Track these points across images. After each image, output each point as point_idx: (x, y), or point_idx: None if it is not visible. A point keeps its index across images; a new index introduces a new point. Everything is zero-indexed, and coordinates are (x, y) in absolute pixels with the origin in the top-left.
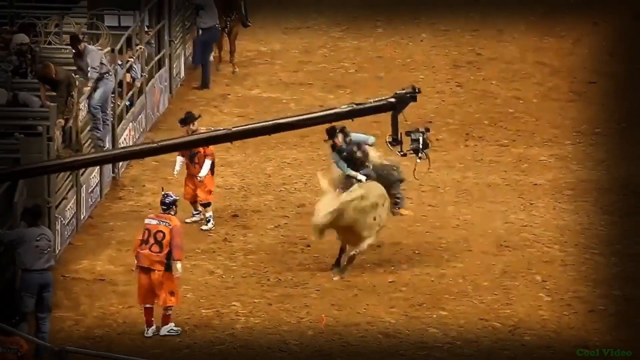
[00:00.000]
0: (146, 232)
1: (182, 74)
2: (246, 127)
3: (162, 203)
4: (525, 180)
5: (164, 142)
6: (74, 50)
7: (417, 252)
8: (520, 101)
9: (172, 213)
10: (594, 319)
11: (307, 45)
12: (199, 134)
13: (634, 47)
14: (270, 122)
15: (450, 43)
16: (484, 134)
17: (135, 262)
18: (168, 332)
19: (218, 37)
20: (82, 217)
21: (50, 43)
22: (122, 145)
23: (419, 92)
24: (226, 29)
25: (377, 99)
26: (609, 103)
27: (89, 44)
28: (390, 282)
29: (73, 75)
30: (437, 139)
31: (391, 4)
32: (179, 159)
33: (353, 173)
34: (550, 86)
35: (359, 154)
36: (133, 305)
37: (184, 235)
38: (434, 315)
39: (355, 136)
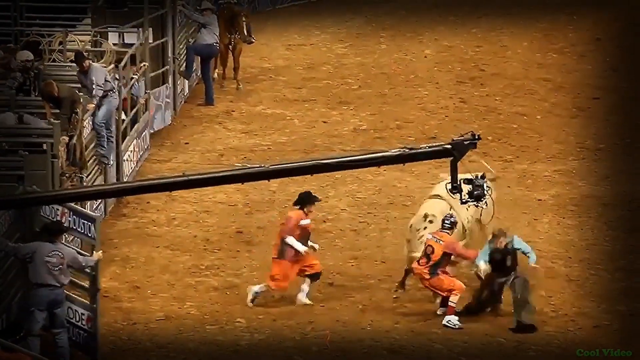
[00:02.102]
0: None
1: (186, 91)
2: (284, 166)
3: (444, 223)
4: (529, 195)
5: (194, 177)
6: (78, 68)
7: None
8: (524, 117)
9: (451, 233)
10: (599, 335)
11: (310, 62)
12: (234, 169)
13: (637, 63)
14: (312, 163)
15: (453, 59)
16: (487, 149)
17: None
18: (447, 322)
19: (216, 53)
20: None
21: (54, 60)
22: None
23: (479, 138)
24: (230, 46)
25: (431, 145)
26: (612, 119)
27: (93, 62)
28: (395, 298)
29: (77, 92)
30: None
31: (394, 20)
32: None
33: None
34: (554, 102)
35: (508, 262)
36: (137, 322)
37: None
38: (439, 331)
39: (518, 243)
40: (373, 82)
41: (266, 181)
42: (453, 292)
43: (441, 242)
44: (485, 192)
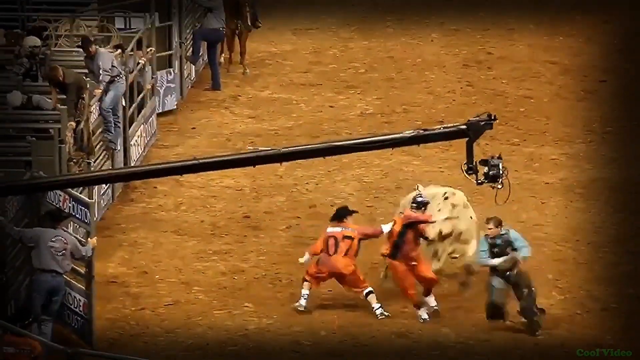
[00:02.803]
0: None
1: (193, 76)
2: (297, 148)
3: (413, 201)
4: (536, 179)
5: (205, 160)
6: (84, 53)
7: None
8: (531, 100)
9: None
10: (607, 318)
11: (317, 46)
12: (246, 152)
13: None
14: (325, 145)
15: (460, 42)
16: (494, 133)
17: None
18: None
19: (222, 38)
20: (94, 219)
21: (61, 46)
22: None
23: (495, 119)
24: (236, 31)
25: (446, 126)
26: (619, 101)
27: (100, 47)
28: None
29: (84, 77)
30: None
31: (401, 4)
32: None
33: (495, 262)
34: (561, 85)
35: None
36: (145, 307)
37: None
38: (447, 315)
39: (514, 235)
40: (379, 66)
41: (273, 166)
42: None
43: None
44: (502, 172)
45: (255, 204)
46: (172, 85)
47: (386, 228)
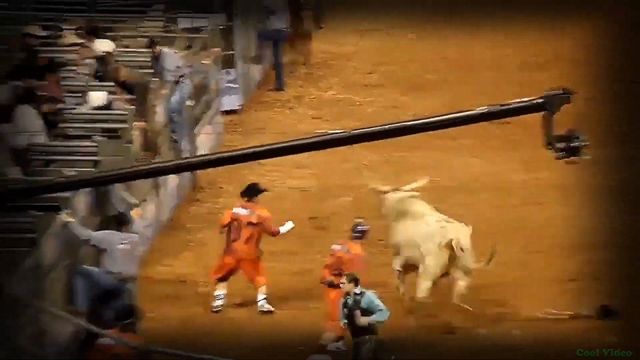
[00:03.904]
0: (332, 257)
1: (257, 76)
2: (369, 129)
3: (354, 231)
4: (600, 182)
5: (276, 145)
6: (150, 54)
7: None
8: (591, 101)
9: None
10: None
11: (381, 47)
12: (315, 136)
13: None
14: (397, 125)
15: (519, 43)
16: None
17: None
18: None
19: (286, 39)
20: (162, 218)
21: (127, 47)
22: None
23: (572, 92)
24: (300, 32)
25: (521, 100)
26: None
27: (165, 47)
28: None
29: (149, 78)
30: (512, 140)
31: (465, 5)
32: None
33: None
34: (624, 86)
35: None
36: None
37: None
38: (519, 318)
39: (369, 298)
40: (442, 67)
41: (339, 166)
42: None
43: (349, 251)
44: (583, 144)
45: (320, 205)
46: (233, 86)
47: (283, 229)
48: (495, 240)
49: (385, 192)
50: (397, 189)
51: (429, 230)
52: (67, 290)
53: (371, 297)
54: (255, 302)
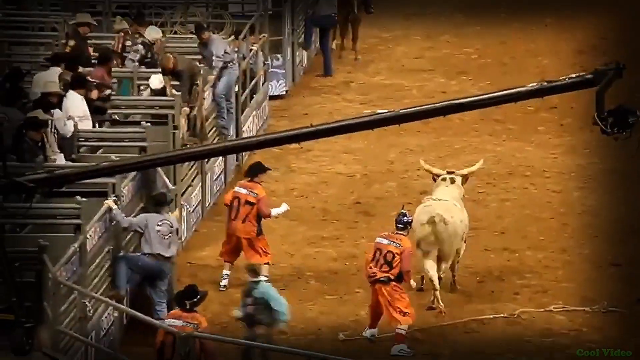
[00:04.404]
0: (377, 251)
1: (305, 62)
2: (417, 108)
3: (398, 222)
4: None
5: (322, 126)
6: (198, 40)
7: (541, 238)
8: None
9: (406, 233)
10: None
11: (429, 31)
12: (364, 116)
13: None
14: (445, 103)
15: (574, 28)
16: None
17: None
18: (399, 352)
19: (334, 25)
20: (207, 204)
21: (176, 33)
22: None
23: (624, 67)
24: (349, 17)
25: (571, 76)
26: None
27: (213, 33)
28: (514, 268)
29: (197, 64)
30: (561, 125)
31: None
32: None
33: None
34: None
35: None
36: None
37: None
38: (560, 302)
39: (265, 288)
40: (492, 52)
41: (384, 152)
42: (408, 314)
43: (399, 245)
44: (633, 118)
45: (366, 190)
46: (280, 71)
47: (275, 211)
48: (552, 225)
49: (439, 175)
50: (450, 172)
51: (418, 211)
52: (112, 275)
53: (266, 287)
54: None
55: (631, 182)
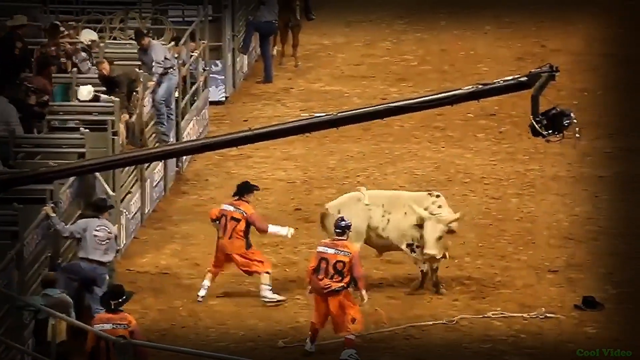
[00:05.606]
0: (322, 261)
1: (245, 68)
2: (354, 111)
3: (336, 227)
4: (590, 172)
5: (260, 130)
6: (138, 46)
7: (480, 245)
8: (585, 93)
9: (345, 238)
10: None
11: (370, 38)
12: (302, 119)
13: None
14: (383, 106)
15: (514, 35)
16: None
17: (309, 286)
18: (349, 356)
19: (275, 31)
20: (146, 211)
21: (115, 39)
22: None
23: (557, 70)
24: (289, 23)
25: (506, 78)
26: None
27: (153, 39)
28: (453, 275)
29: (136, 70)
30: (500, 132)
31: None
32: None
33: None
34: (616, 77)
35: None
36: (196, 299)
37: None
38: (498, 308)
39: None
40: (432, 59)
41: (324, 159)
42: (357, 322)
43: (347, 253)
44: (566, 119)
45: (306, 197)
46: (219, 77)
47: (273, 229)
48: (490, 231)
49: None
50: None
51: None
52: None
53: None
54: (239, 293)
55: (568, 188)
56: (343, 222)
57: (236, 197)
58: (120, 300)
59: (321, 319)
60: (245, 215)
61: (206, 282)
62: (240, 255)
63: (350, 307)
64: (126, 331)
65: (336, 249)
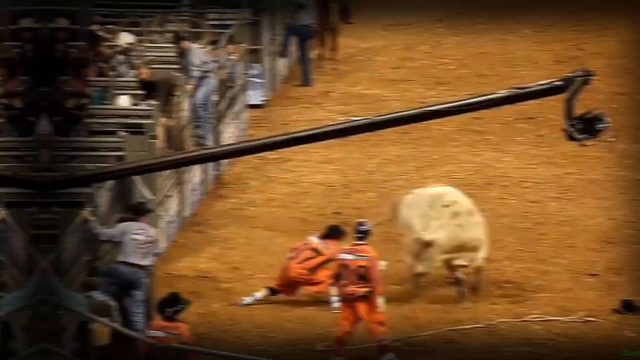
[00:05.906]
0: (343, 268)
1: (284, 71)
2: (391, 115)
3: (356, 232)
4: (628, 175)
5: (299, 134)
6: (176, 49)
7: (519, 248)
8: (623, 96)
9: (365, 243)
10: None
11: (408, 42)
12: (339, 123)
13: None
14: (420, 110)
15: (552, 38)
16: None
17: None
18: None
19: (313, 35)
20: (185, 214)
21: (153, 42)
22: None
23: (591, 75)
24: (328, 27)
25: (541, 83)
26: None
27: (192, 43)
28: (492, 278)
29: (174, 74)
30: (539, 135)
31: None
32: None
33: None
34: None
35: None
36: (236, 303)
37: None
38: (537, 312)
39: None
40: (471, 62)
41: (363, 162)
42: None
43: (368, 257)
44: (600, 123)
45: (345, 200)
46: (258, 81)
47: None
48: (529, 235)
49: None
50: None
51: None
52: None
53: None
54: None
55: (607, 192)
56: (363, 227)
57: (324, 237)
58: (175, 308)
59: (350, 327)
60: (330, 252)
61: (259, 294)
62: (303, 282)
63: (378, 313)
64: (176, 342)
65: (356, 255)
